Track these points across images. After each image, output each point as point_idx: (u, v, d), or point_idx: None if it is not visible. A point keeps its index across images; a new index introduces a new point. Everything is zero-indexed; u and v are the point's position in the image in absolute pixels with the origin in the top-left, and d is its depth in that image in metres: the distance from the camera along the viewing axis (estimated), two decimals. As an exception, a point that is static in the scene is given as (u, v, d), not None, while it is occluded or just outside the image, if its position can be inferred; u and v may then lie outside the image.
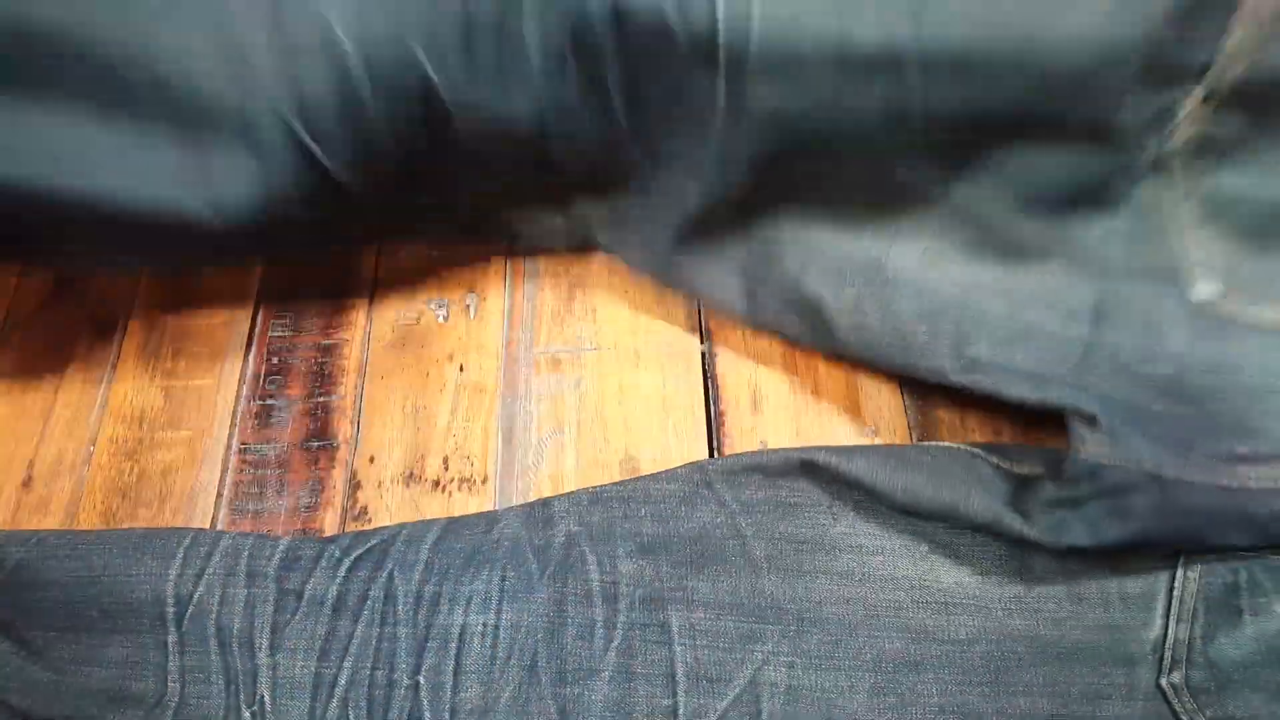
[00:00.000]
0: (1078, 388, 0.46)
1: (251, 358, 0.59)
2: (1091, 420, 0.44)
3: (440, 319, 0.60)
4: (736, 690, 0.45)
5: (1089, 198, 0.48)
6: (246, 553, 0.48)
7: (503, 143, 0.51)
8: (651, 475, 0.51)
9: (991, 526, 0.46)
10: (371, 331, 0.60)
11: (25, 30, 0.45)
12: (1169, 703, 0.44)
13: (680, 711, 0.44)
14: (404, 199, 0.55)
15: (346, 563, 0.48)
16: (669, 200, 0.53)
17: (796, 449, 0.50)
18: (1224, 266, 0.47)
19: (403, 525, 0.50)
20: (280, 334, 0.60)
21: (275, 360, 0.59)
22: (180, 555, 0.48)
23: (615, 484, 0.51)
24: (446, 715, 0.44)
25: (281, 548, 0.48)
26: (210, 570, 0.47)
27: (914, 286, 0.50)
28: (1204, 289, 0.47)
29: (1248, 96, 0.44)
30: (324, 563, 0.48)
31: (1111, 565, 0.46)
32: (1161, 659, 0.45)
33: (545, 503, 0.51)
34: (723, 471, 0.50)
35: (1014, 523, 0.46)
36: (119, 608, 0.47)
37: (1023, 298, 0.49)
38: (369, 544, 0.49)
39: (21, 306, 0.62)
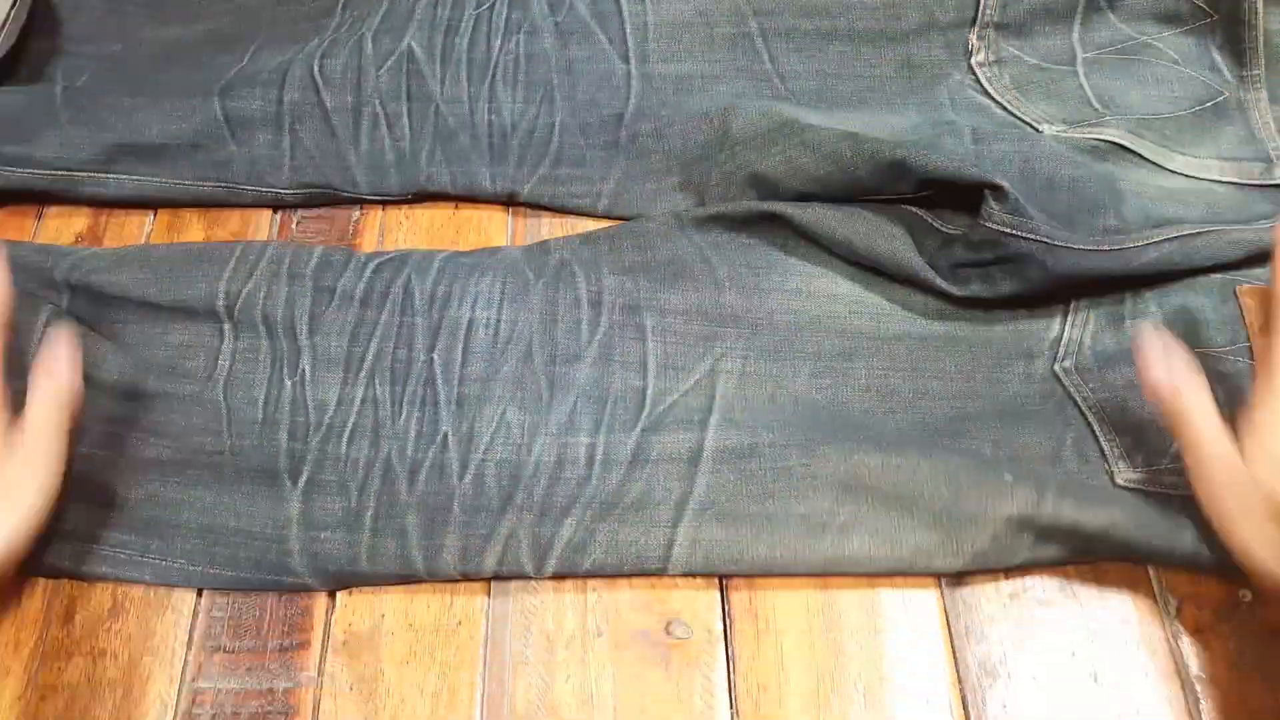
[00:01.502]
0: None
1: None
2: (1000, 192, 0.52)
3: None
4: (697, 376, 0.53)
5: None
6: (288, 259, 0.56)
7: None
8: (634, 219, 0.59)
9: (912, 277, 0.55)
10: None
11: None
12: (1060, 381, 0.52)
13: (649, 391, 0.52)
14: None
15: (371, 266, 0.56)
16: None
17: (759, 202, 0.58)
18: (1053, 117, 0.61)
19: (415, 249, 0.58)
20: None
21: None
22: (232, 262, 0.56)
23: (603, 228, 0.59)
24: (455, 383, 0.52)
25: (317, 254, 0.56)
26: (257, 272, 0.55)
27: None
28: (1049, 129, 0.60)
29: (1008, 26, 0.63)
30: (352, 265, 0.56)
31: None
32: (1056, 353, 0.53)
33: (542, 242, 0.59)
34: (695, 218, 0.58)
35: (928, 275, 0.54)
36: (180, 302, 0.55)
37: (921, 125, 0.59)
38: (389, 255, 0.57)
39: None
